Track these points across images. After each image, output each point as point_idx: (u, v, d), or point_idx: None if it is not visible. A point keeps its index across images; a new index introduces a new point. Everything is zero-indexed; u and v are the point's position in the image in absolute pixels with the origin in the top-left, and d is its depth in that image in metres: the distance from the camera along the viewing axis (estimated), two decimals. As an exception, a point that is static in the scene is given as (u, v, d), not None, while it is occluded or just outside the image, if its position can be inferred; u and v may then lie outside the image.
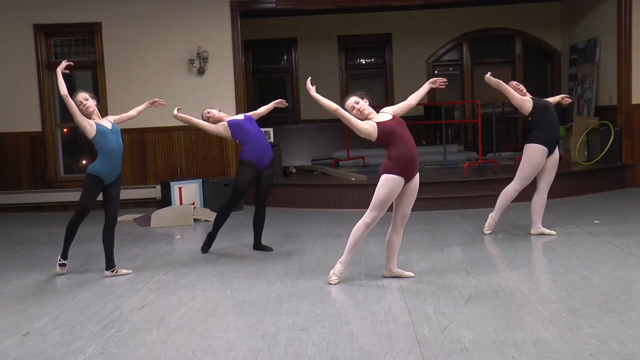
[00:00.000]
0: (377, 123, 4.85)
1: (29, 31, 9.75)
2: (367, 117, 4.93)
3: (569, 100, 6.95)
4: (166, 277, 5.55)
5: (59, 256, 5.76)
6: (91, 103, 5.53)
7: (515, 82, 6.57)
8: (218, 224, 6.40)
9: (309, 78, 5.21)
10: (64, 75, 5.51)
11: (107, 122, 5.63)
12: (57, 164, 10.04)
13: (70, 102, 5.42)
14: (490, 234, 6.66)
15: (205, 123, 6.33)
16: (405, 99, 5.20)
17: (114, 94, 9.60)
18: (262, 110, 6.59)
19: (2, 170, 9.89)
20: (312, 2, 10.34)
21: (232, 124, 6.26)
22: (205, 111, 6.46)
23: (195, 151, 9.87)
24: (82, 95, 5.52)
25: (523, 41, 13.03)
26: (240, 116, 6.48)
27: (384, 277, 5.17)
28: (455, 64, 13.45)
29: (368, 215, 4.91)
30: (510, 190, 6.54)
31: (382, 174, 4.87)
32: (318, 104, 4.99)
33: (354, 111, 4.92)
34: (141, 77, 9.75)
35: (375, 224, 4.97)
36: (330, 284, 5.05)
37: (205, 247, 6.46)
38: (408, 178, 4.87)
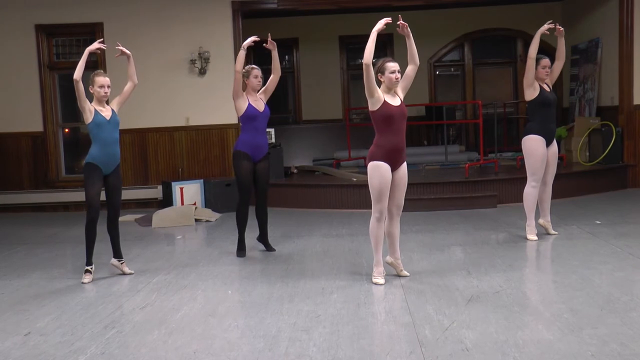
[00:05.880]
0: (385, 102, 4.90)
1: (31, 31, 9.77)
2: (391, 88, 4.96)
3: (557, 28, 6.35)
4: (167, 277, 5.56)
5: (85, 265, 5.59)
6: (108, 91, 5.66)
7: (547, 60, 6.33)
8: (240, 226, 6.28)
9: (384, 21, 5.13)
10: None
11: (109, 112, 5.69)
12: (58, 164, 10.04)
13: (80, 88, 5.46)
14: (536, 236, 6.39)
15: (239, 76, 6.07)
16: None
17: (114, 93, 9.51)
18: (270, 85, 6.30)
19: (3, 171, 9.90)
20: (313, 2, 10.35)
21: (249, 110, 6.07)
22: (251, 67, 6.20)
23: (197, 151, 9.87)
24: (106, 82, 5.69)
25: (524, 41, 13.01)
26: (261, 106, 6.18)
27: (387, 262, 5.21)
28: (456, 64, 13.45)
29: (373, 210, 4.99)
30: (528, 190, 6.29)
31: (368, 162, 4.98)
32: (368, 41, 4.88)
33: (393, 75, 4.90)
34: (142, 77, 9.61)
35: (385, 216, 5.00)
36: (377, 284, 5.01)
37: (240, 252, 6.31)
38: (393, 166, 4.94)
